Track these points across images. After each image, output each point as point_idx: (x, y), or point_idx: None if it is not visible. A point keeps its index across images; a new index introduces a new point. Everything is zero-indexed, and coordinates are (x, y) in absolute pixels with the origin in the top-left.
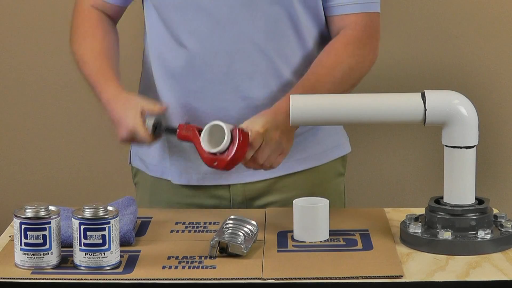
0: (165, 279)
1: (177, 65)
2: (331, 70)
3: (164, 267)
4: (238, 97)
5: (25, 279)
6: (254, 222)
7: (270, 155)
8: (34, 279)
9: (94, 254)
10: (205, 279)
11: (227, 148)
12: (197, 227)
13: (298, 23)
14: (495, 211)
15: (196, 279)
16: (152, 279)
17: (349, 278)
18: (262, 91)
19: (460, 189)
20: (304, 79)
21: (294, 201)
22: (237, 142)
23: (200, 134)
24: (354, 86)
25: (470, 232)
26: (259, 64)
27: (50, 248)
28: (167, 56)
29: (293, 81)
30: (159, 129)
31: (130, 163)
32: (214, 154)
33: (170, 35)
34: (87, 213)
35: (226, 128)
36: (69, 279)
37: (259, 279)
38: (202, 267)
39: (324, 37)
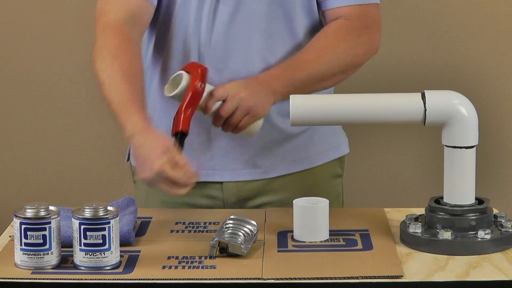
0: (165, 279)
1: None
2: (319, 51)
3: (164, 267)
4: (224, 80)
5: (25, 279)
6: (254, 222)
7: (235, 112)
8: (34, 279)
9: (94, 254)
10: (205, 279)
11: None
12: (197, 227)
13: (292, 19)
14: (495, 211)
15: (196, 279)
16: (152, 279)
17: (349, 278)
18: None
19: (460, 189)
20: (290, 58)
21: (294, 201)
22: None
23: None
24: (346, 72)
25: (470, 232)
26: (252, 61)
27: (50, 248)
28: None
29: None
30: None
31: (127, 160)
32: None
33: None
34: (87, 213)
35: (185, 74)
36: (69, 279)
37: (259, 279)
38: (202, 267)
39: (316, 28)
